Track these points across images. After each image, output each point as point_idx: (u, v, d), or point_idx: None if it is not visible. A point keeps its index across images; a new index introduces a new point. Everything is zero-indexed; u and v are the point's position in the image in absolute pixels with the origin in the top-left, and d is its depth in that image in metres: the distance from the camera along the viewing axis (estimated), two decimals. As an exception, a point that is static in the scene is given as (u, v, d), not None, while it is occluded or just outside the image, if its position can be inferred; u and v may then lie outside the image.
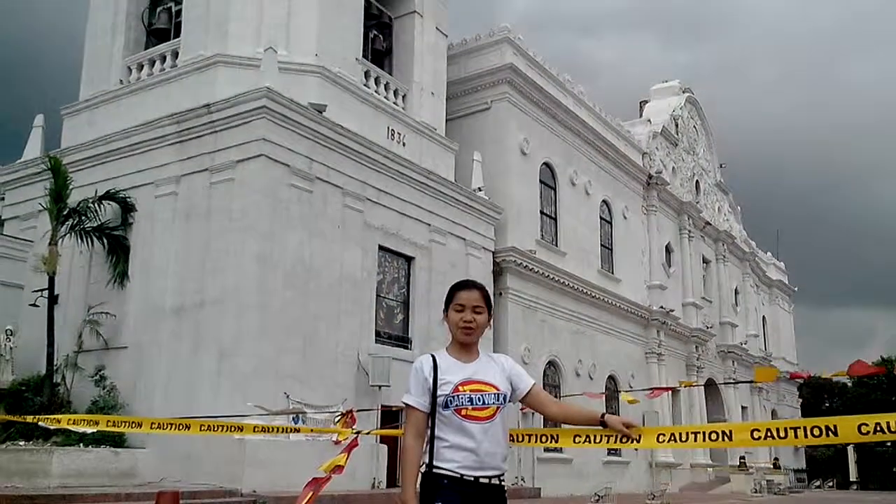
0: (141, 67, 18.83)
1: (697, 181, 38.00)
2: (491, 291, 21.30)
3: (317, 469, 4.16)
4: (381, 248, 18.23)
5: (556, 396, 23.17)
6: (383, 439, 16.61)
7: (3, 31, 67.54)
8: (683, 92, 38.36)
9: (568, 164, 26.52)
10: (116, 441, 14.30)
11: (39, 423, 7.09)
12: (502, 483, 2.88)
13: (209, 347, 15.05)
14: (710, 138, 41.06)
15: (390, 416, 17.05)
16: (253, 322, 14.94)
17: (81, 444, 13.44)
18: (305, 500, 4.01)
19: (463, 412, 2.84)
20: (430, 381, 2.89)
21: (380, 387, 16.79)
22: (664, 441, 2.79)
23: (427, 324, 19.09)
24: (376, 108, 18.93)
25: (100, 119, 18.43)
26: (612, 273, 28.58)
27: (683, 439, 2.83)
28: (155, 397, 15.21)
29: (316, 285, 16.14)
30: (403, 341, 18.63)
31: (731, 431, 2.82)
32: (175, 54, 18.19)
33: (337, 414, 5.21)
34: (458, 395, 2.86)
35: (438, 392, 2.88)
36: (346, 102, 17.83)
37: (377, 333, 17.72)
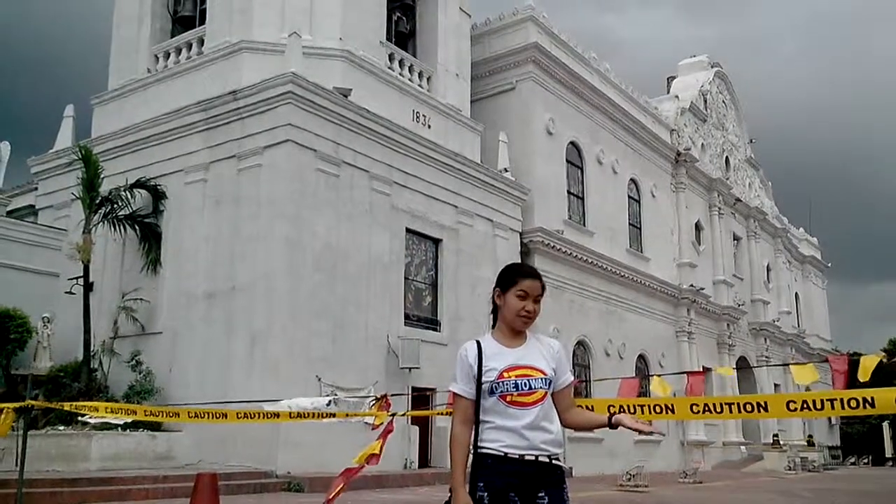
0: (167, 56, 18.98)
1: (727, 157, 37.44)
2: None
3: (352, 460, 4.12)
4: (408, 230, 18.26)
5: (585, 377, 23.20)
6: (414, 420, 16.72)
7: (33, 24, 68.45)
8: (712, 67, 37.73)
9: (595, 142, 26.27)
10: (153, 425, 14.55)
11: (78, 412, 7.20)
12: (554, 462, 2.82)
13: (241, 332, 15.24)
14: (740, 113, 40.39)
15: (421, 398, 17.18)
16: (283, 306, 15.08)
17: (119, 429, 13.71)
18: (336, 491, 3.95)
19: (508, 398, 2.81)
20: (475, 368, 2.86)
21: (410, 369, 16.89)
22: (698, 412, 2.77)
23: (455, 305, 19.13)
24: (401, 91, 18.89)
25: (129, 108, 18.64)
26: (641, 252, 28.35)
27: (718, 410, 2.80)
28: (190, 381, 15.46)
29: (344, 269, 16.24)
30: (432, 323, 18.69)
31: (766, 403, 2.78)
32: (201, 42, 18.31)
33: (371, 398, 5.22)
34: (503, 382, 2.83)
35: (483, 379, 2.84)
36: (371, 86, 17.82)
37: (406, 316, 17.79)
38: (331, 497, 3.76)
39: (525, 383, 2.83)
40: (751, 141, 41.45)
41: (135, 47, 19.39)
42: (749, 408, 2.73)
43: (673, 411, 2.80)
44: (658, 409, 2.81)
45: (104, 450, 13.36)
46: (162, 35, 19.58)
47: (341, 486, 3.74)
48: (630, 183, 28.48)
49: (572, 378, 3.01)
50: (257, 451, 13.78)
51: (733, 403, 2.77)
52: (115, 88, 19.42)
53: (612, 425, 2.86)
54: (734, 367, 33.12)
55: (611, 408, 2.93)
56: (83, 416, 6.12)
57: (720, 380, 28.59)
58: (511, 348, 2.91)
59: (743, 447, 32.28)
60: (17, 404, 5.41)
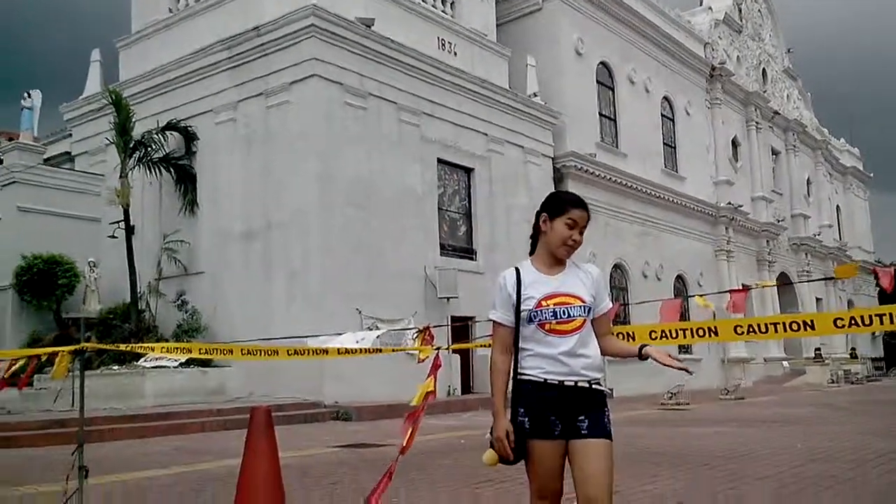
0: (188, -6, 18.76)
1: (764, 69, 36.23)
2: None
3: (409, 403, 4.14)
4: (439, 161, 18.16)
5: (623, 300, 23.21)
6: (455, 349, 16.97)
7: (50, -30, 67.90)
8: (747, -26, 36.12)
9: (625, 61, 25.57)
10: (204, 361, 14.98)
11: (135, 353, 7.36)
12: (594, 387, 2.84)
13: (278, 269, 15.48)
14: (776, 22, 38.84)
15: (461, 327, 17.40)
16: (318, 242, 15.23)
17: (172, 366, 14.15)
18: (407, 438, 3.94)
19: (547, 326, 2.81)
20: (514, 296, 2.86)
21: (448, 298, 17.06)
22: (742, 333, 2.75)
23: (490, 234, 19.14)
24: (425, 18, 18.48)
25: (153, 50, 18.57)
26: (677, 171, 27.88)
27: (763, 330, 2.78)
28: (234, 318, 15.82)
29: (377, 202, 16.28)
30: (468, 252, 18.76)
31: (812, 321, 2.75)
32: (220, -23, 18.00)
33: (414, 331, 5.24)
34: (541, 310, 2.81)
35: (522, 307, 2.84)
36: (394, 14, 17.45)
37: (441, 246, 17.87)
38: (405, 446, 3.78)
39: (564, 311, 2.83)
40: (788, 51, 39.97)
41: (155, -13, 19.16)
42: (795, 327, 2.70)
43: (716, 333, 2.79)
44: (701, 333, 2.80)
45: (158, 386, 13.85)
46: (181, -27, 19.29)
47: (410, 431, 3.75)
48: (663, 101, 27.81)
49: (611, 305, 3.01)
50: (304, 383, 14.15)
51: (778, 323, 2.75)
52: (138, 31, 19.32)
53: (642, 357, 2.88)
54: (775, 282, 32.85)
55: (652, 333, 2.93)
56: (140, 357, 6.31)
57: (760, 296, 28.39)
58: (550, 276, 2.91)
59: (785, 362, 32.29)
60: (71, 347, 5.59)
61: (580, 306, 2.85)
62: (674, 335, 2.83)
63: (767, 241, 32.87)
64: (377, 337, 5.42)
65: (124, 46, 19.62)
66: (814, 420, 12.71)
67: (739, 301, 5.16)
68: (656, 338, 2.86)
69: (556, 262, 2.93)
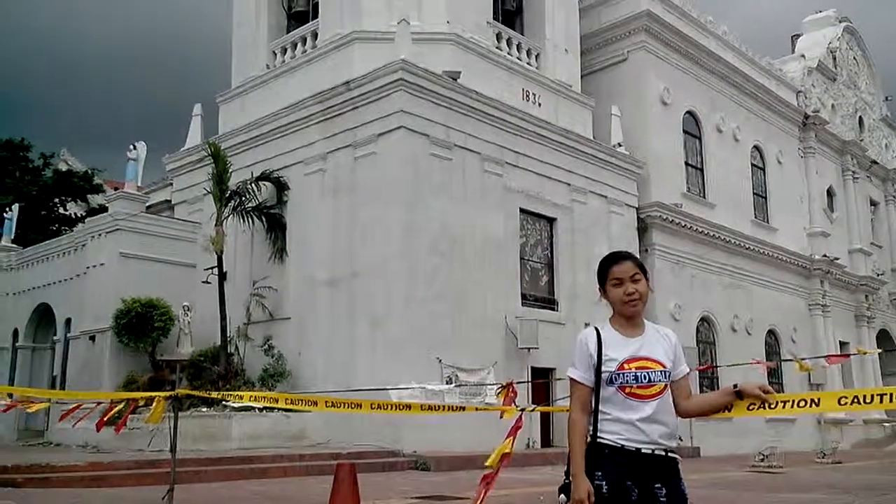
0: (284, 51, 19.70)
1: (861, 117, 34.97)
2: (636, 249, 20.67)
3: (483, 465, 4.19)
4: (522, 210, 18.21)
5: (710, 354, 22.48)
6: (536, 399, 16.73)
7: (164, 27, 72.65)
8: (840, 21, 35.20)
9: (713, 110, 25.19)
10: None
11: (225, 399, 7.61)
12: (670, 455, 2.82)
13: (363, 316, 15.73)
14: (873, 69, 37.55)
15: (540, 377, 17.20)
16: (401, 290, 15.42)
17: (257, 410, 14.49)
18: (480, 500, 4.01)
19: (627, 390, 2.82)
20: (595, 356, 2.88)
21: (529, 349, 16.90)
22: (846, 404, 2.64)
23: (572, 284, 18.94)
24: (510, 71, 18.77)
25: (251, 104, 19.48)
26: (768, 222, 27.03)
27: (868, 401, 2.66)
28: (317, 364, 16.13)
29: (461, 251, 16.41)
30: (549, 303, 18.60)
31: (924, 391, 2.61)
32: (314, 35, 18.88)
33: (497, 387, 5.27)
34: (622, 373, 2.83)
35: (603, 368, 2.85)
36: (480, 67, 17.80)
37: (523, 296, 17.79)
38: None
39: (644, 376, 2.84)
40: (886, 99, 38.49)
41: (253, 45, 20.22)
42: (904, 397, 2.56)
43: (818, 404, 2.68)
44: (802, 404, 2.71)
45: (244, 430, 14.18)
46: (278, 31, 20.31)
47: (483, 494, 3.81)
48: (753, 150, 27.16)
49: (688, 370, 3.01)
50: (383, 431, 14.21)
51: (885, 394, 2.62)
52: (237, 86, 20.34)
53: (740, 394, 2.86)
54: (874, 340, 31.18)
55: (750, 406, 2.85)
56: (228, 402, 6.55)
57: (860, 356, 26.91)
58: (630, 338, 2.92)
59: (886, 424, 30.36)
60: (167, 393, 5.86)
61: (661, 371, 2.85)
62: (773, 406, 2.74)
63: (866, 296, 31.30)
64: (455, 383, 5.44)
65: (224, 101, 20.68)
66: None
67: (835, 362, 4.94)
68: (754, 408, 2.78)
69: (633, 322, 2.95)
